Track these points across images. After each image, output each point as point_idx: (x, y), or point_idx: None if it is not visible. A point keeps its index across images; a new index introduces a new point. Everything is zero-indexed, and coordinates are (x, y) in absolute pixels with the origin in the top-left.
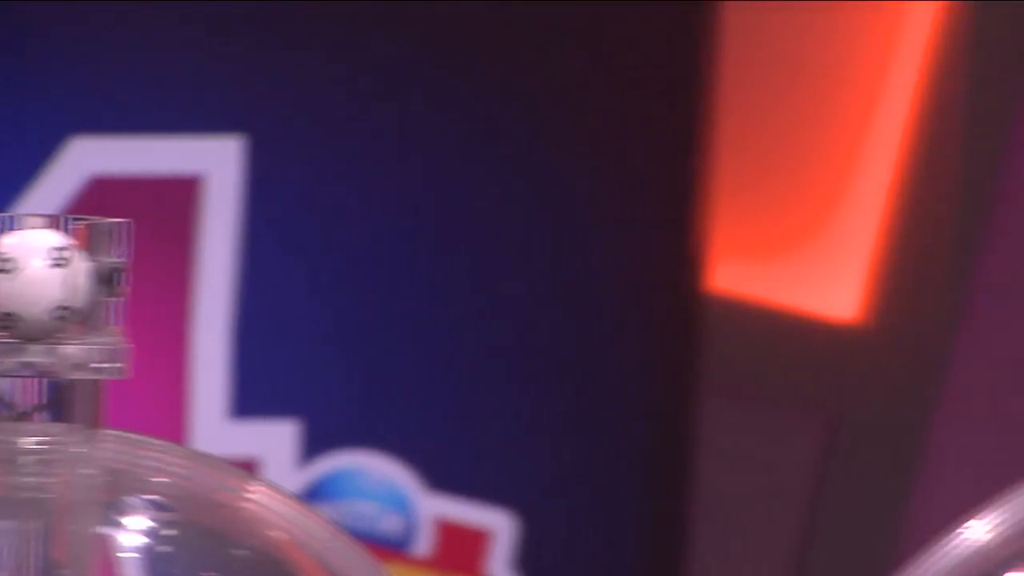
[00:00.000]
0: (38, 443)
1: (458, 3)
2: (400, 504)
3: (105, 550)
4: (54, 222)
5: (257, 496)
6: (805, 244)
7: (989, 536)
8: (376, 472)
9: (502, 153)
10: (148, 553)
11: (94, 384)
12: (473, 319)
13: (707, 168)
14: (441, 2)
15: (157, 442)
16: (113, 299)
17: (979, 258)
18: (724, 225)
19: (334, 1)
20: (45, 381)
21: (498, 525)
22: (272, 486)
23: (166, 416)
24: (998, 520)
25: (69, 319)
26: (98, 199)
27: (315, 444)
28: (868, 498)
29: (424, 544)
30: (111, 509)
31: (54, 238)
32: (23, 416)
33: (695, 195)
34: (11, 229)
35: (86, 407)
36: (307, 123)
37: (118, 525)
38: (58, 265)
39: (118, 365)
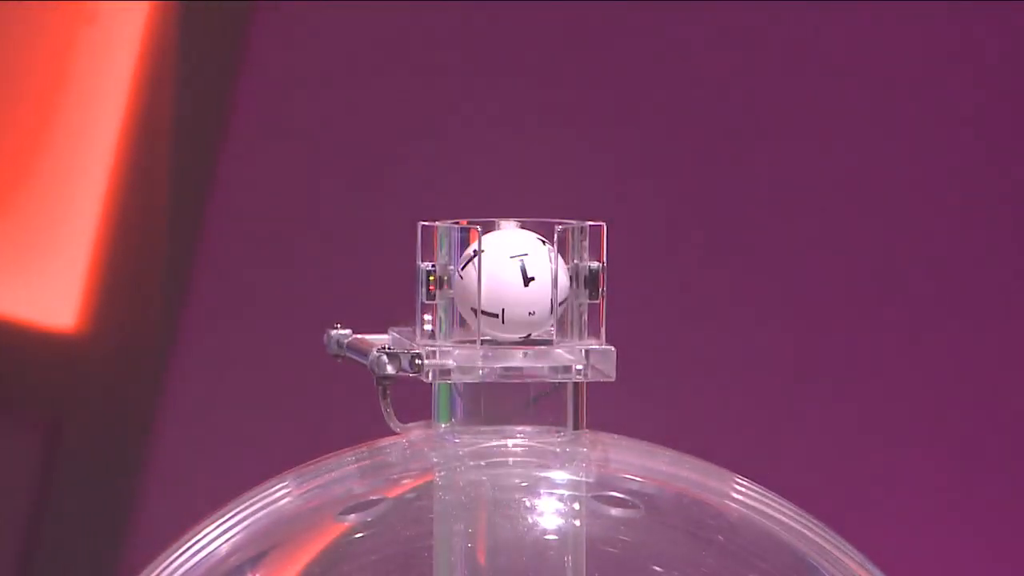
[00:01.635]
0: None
1: None
2: None
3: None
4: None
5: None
6: (22, 254)
7: (220, 542)
8: None
9: None
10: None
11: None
12: None
13: None
14: None
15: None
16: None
17: (195, 265)
18: None
19: None
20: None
21: None
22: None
23: None
24: (227, 526)
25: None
26: None
27: None
28: (94, 506)
29: None
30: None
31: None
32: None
33: None
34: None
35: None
36: None
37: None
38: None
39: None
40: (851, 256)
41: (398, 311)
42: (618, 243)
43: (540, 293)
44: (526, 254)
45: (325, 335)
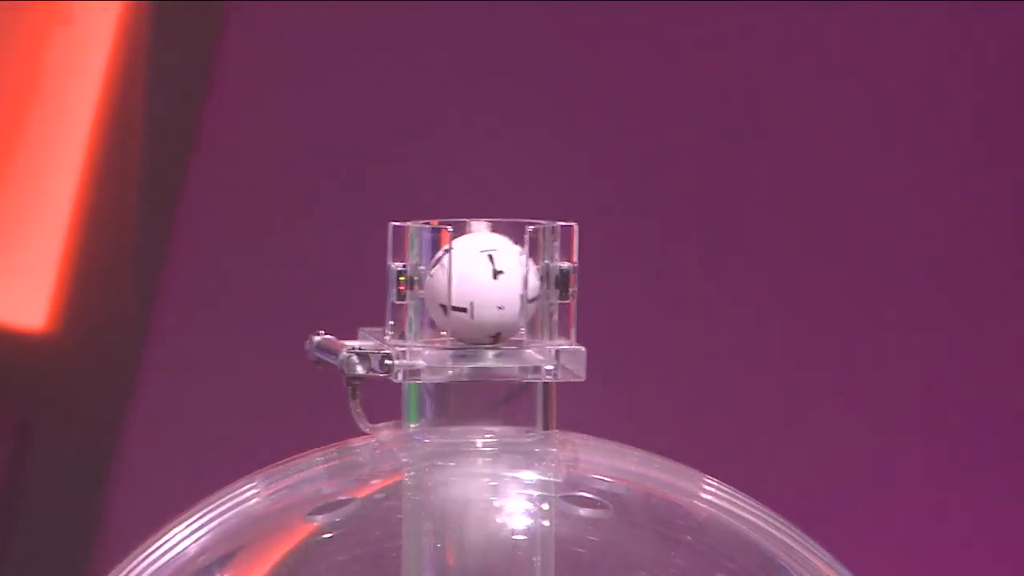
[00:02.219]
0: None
1: None
2: None
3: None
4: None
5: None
6: None
7: (188, 542)
8: None
9: None
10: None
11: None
12: None
13: None
14: None
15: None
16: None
17: (167, 266)
18: None
19: None
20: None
21: None
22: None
23: None
24: (196, 526)
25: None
26: None
27: None
28: (63, 507)
29: None
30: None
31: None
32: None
33: None
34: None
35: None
36: None
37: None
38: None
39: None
40: (831, 254)
41: (372, 311)
42: (592, 243)
43: (509, 287)
44: (495, 249)
45: (307, 342)
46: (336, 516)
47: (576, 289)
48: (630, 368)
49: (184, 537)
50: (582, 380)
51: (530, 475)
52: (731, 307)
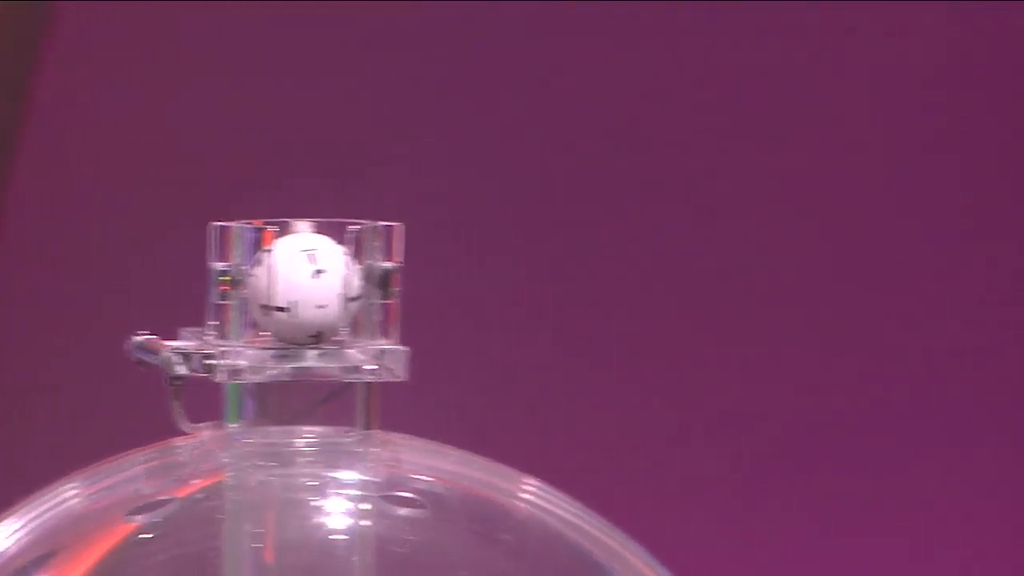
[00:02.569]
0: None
1: None
2: None
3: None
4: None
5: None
6: None
7: (8, 543)
8: None
9: None
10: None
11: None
12: None
13: None
14: None
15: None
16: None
17: None
18: None
19: None
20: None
21: None
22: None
23: None
24: (15, 526)
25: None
26: None
27: None
28: None
29: None
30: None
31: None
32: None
33: None
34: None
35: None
36: None
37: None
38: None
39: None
40: (656, 250)
41: (195, 312)
42: (420, 243)
43: (329, 286)
44: (315, 249)
45: (128, 342)
46: (156, 516)
47: (399, 289)
48: (453, 368)
49: (2, 537)
50: (404, 380)
51: (350, 475)
52: (556, 307)
